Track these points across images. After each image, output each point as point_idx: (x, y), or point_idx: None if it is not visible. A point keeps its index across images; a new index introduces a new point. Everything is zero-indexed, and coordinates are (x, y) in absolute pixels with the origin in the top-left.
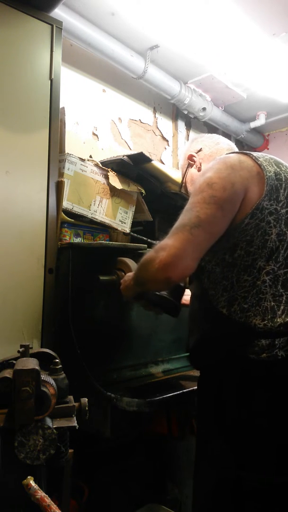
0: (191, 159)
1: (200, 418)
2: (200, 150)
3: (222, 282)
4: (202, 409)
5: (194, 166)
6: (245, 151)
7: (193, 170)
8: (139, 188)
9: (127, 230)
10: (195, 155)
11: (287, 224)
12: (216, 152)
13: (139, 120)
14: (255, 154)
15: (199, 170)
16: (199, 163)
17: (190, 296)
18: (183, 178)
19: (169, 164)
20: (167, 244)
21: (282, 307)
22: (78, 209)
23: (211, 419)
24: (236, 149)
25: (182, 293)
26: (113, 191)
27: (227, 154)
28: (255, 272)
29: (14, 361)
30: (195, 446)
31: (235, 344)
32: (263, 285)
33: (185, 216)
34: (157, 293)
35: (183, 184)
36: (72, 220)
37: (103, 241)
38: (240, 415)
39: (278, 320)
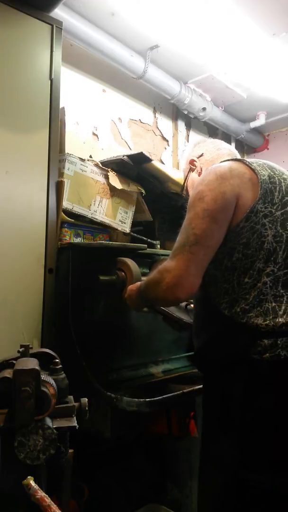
0: (192, 163)
1: (205, 421)
2: (201, 155)
3: (223, 286)
4: (207, 412)
5: (195, 170)
6: (238, 158)
7: (194, 175)
8: (139, 188)
9: (127, 230)
10: (196, 160)
11: (283, 225)
12: (217, 157)
13: (139, 120)
14: (248, 160)
15: (199, 174)
16: (200, 167)
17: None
18: (184, 181)
19: (169, 164)
20: (171, 266)
21: (283, 307)
22: (78, 209)
23: (216, 421)
24: (238, 155)
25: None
26: (113, 191)
27: (220, 162)
28: (254, 274)
29: (14, 361)
30: (200, 448)
31: (239, 345)
32: (264, 286)
33: (183, 235)
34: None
35: (185, 188)
36: (72, 220)
37: (103, 241)
38: (245, 417)
39: (280, 320)
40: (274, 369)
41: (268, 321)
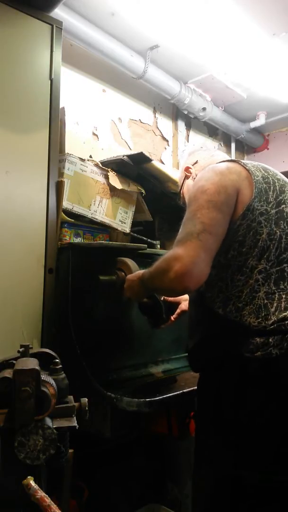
0: (188, 171)
1: (199, 418)
2: (196, 163)
3: (218, 284)
4: (201, 409)
5: (191, 177)
6: (233, 159)
7: (189, 181)
8: (139, 188)
9: (127, 230)
10: (191, 167)
11: (277, 224)
12: (211, 163)
13: (139, 120)
14: (242, 161)
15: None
16: (195, 174)
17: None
18: (180, 189)
19: (169, 164)
20: (179, 254)
21: (275, 304)
22: (78, 209)
23: (209, 418)
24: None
25: (174, 310)
26: (113, 191)
27: (216, 163)
28: (247, 272)
29: (14, 361)
30: (194, 446)
31: (231, 343)
32: (256, 283)
33: (188, 225)
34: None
35: (181, 196)
36: (72, 220)
37: (103, 241)
38: (237, 414)
39: (272, 317)
40: (265, 367)
41: (260, 319)
